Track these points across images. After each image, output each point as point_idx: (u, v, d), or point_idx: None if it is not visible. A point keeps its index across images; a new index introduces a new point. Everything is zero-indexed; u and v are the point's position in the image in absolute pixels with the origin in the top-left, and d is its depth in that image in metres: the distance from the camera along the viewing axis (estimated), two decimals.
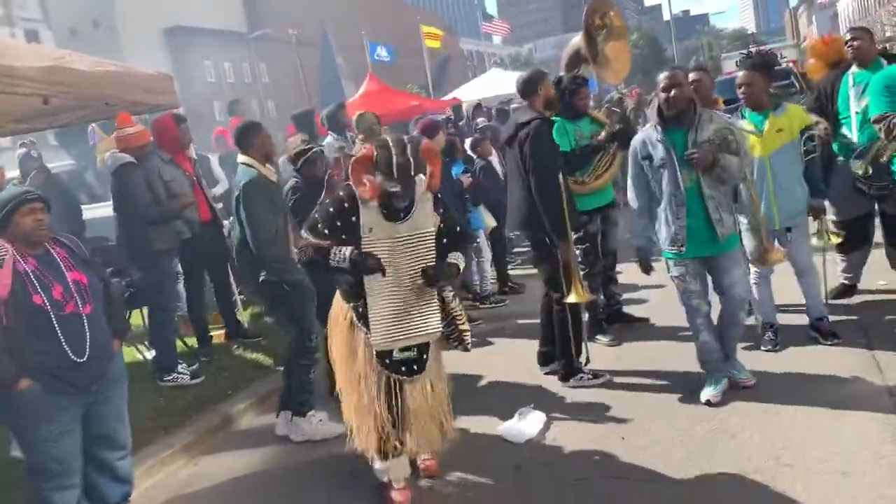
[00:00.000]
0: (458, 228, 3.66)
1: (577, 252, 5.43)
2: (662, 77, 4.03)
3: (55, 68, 4.87)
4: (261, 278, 4.48)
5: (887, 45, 14.92)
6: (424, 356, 3.56)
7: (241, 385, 5.52)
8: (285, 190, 4.95)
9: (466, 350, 3.71)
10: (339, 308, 3.62)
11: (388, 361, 3.50)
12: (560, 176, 4.52)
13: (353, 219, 3.39)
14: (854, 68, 5.15)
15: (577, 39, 5.50)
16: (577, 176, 5.30)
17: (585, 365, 4.84)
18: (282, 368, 5.69)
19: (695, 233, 4.09)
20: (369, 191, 3.31)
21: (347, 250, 3.35)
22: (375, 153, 3.31)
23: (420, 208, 3.45)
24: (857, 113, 5.05)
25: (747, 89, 4.47)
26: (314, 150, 5.01)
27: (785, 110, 4.54)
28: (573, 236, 4.69)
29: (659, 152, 4.07)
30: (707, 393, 4.24)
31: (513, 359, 5.47)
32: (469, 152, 7.77)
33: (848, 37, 5.25)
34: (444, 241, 3.55)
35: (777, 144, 4.50)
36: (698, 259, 4.18)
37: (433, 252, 3.48)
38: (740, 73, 4.39)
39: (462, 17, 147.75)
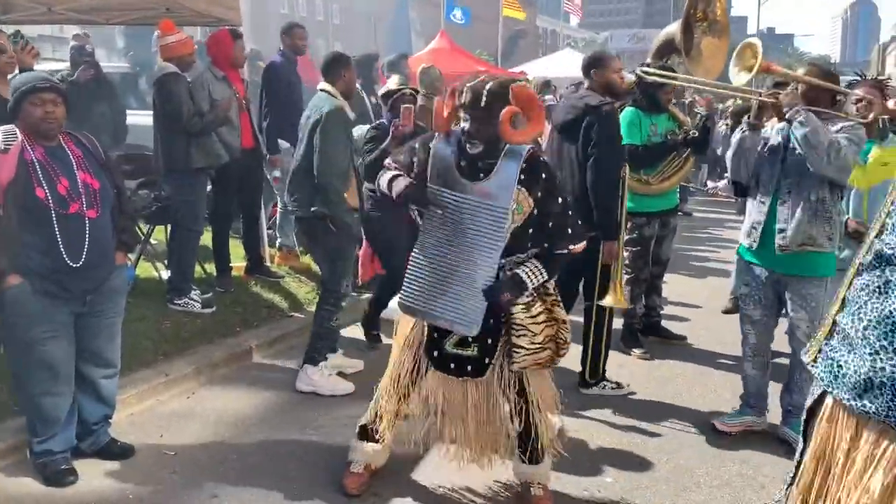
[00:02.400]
0: (562, 227, 2.95)
1: (626, 255, 5.10)
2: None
3: None
4: (312, 209, 4.25)
5: None
6: (489, 359, 3.00)
7: (251, 323, 5.30)
8: (364, 132, 4.92)
9: (551, 364, 3.04)
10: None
11: (436, 354, 3.04)
12: (621, 171, 4.20)
13: (424, 162, 2.99)
14: None
15: (672, 27, 5.06)
16: (641, 174, 4.94)
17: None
18: (295, 315, 5.51)
19: (767, 237, 3.66)
20: (444, 117, 2.92)
21: (404, 179, 2.98)
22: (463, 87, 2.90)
23: (502, 175, 2.86)
24: None
25: (866, 106, 3.85)
26: (408, 90, 4.96)
27: (893, 143, 4.10)
28: (624, 237, 4.33)
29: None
30: (722, 420, 3.95)
31: None
32: None
33: None
34: (531, 231, 2.93)
35: (879, 178, 4.07)
36: (769, 272, 3.71)
37: (503, 236, 2.85)
38: (861, 88, 3.89)
39: None
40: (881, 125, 4.01)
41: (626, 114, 4.93)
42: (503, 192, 2.85)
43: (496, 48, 29.40)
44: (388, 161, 3.19)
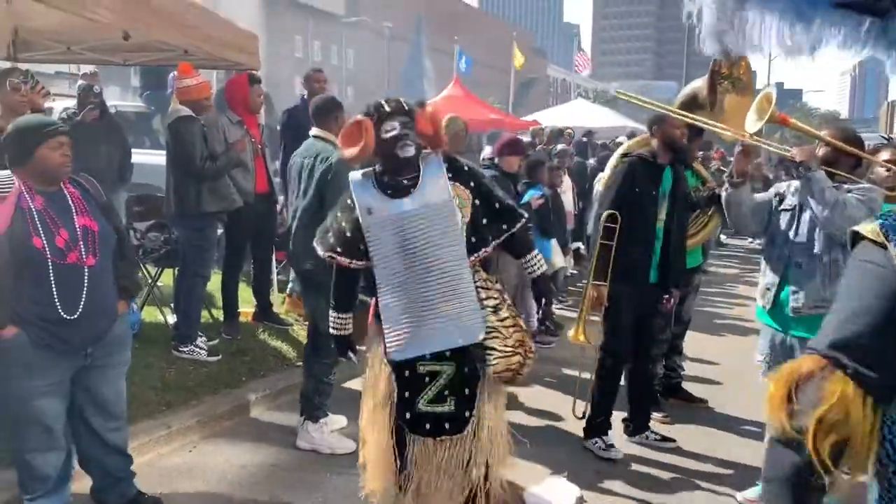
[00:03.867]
0: (508, 205, 2.95)
1: None
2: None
3: (138, 1, 4.59)
4: (306, 266, 4.09)
5: None
6: (467, 412, 2.82)
7: (258, 372, 5.14)
8: None
9: (511, 382, 2.92)
10: (372, 332, 3.01)
11: (408, 416, 2.82)
12: (608, 215, 4.17)
13: (349, 202, 2.84)
14: None
15: (697, 83, 5.00)
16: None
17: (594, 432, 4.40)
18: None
19: (781, 298, 3.55)
20: (366, 140, 2.77)
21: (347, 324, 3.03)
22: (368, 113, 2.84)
23: (429, 177, 2.82)
24: None
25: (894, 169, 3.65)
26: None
27: None
28: (601, 284, 4.20)
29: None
30: (746, 495, 3.77)
31: (549, 411, 4.99)
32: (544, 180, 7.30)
33: None
34: (484, 221, 2.86)
35: None
36: (784, 335, 3.55)
37: (459, 233, 2.78)
38: (888, 151, 3.78)
39: (556, 44, 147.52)
40: None
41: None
42: (440, 191, 2.81)
43: (507, 96, 29.74)
44: (325, 253, 2.94)
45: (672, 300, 4.41)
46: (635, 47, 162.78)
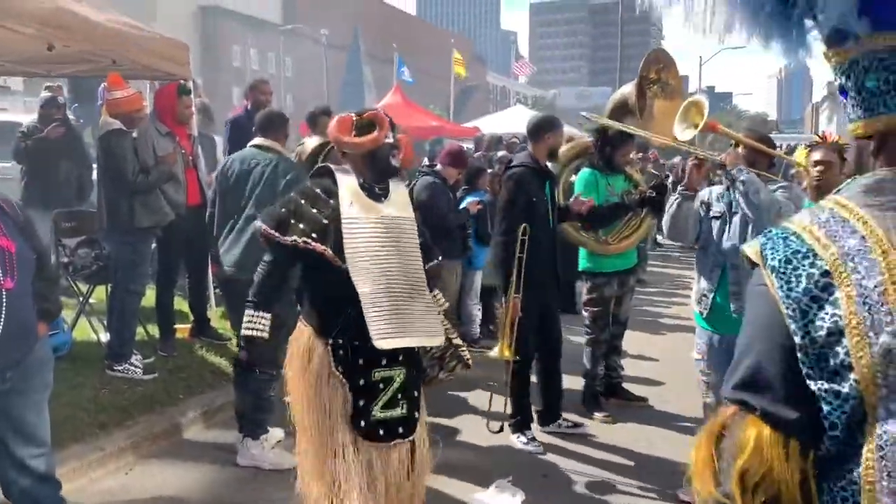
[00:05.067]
0: (430, 246, 3.09)
1: (586, 314, 5.07)
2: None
3: (60, 10, 4.45)
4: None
5: None
6: (416, 413, 2.87)
7: (195, 390, 5.02)
8: None
9: (467, 367, 3.07)
10: (303, 348, 2.85)
11: (363, 424, 2.78)
12: (522, 229, 4.23)
13: (329, 197, 2.83)
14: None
15: (626, 88, 5.10)
16: (599, 235, 4.91)
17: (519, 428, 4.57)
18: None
19: (721, 302, 3.65)
20: (380, 133, 2.87)
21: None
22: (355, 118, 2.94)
23: (396, 193, 2.96)
24: None
25: (826, 169, 3.67)
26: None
27: None
28: (517, 296, 4.30)
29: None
30: (685, 489, 3.83)
31: (493, 415, 5.00)
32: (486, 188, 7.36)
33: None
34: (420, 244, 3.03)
35: None
36: (721, 336, 3.63)
37: (417, 249, 2.91)
38: (819, 151, 3.89)
39: (494, 51, 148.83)
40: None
41: (584, 174, 4.93)
42: (406, 206, 2.97)
43: (448, 102, 29.87)
44: (297, 239, 2.80)
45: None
46: (571, 54, 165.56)
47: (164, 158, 5.11)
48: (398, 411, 2.81)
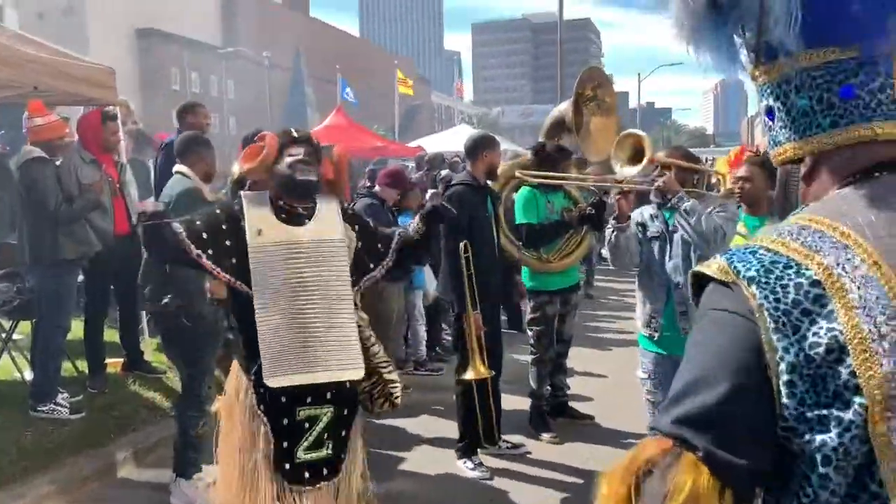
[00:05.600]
0: (384, 240, 2.97)
1: (530, 334, 5.02)
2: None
3: None
4: (164, 301, 3.90)
5: None
6: (343, 454, 2.74)
7: (128, 427, 4.78)
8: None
9: (394, 406, 2.92)
10: (233, 386, 2.79)
11: (287, 467, 2.64)
12: (463, 245, 4.21)
13: (236, 226, 2.68)
14: None
15: (563, 106, 5.12)
16: (540, 253, 4.88)
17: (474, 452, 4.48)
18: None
19: (669, 322, 3.62)
20: (267, 149, 2.77)
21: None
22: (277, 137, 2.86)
23: (325, 212, 2.82)
24: None
25: (746, 184, 3.75)
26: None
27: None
28: (476, 313, 4.28)
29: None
30: None
31: (441, 441, 4.91)
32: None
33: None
34: (366, 258, 2.87)
35: None
36: (669, 356, 3.59)
37: (347, 269, 2.76)
38: (742, 167, 3.94)
39: (438, 71, 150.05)
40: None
41: (523, 192, 4.90)
42: (335, 228, 2.82)
43: (393, 123, 29.91)
44: (194, 251, 2.66)
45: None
46: (514, 73, 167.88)
47: (90, 187, 4.91)
48: (324, 452, 2.69)
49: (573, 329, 5.35)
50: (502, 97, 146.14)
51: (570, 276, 5.09)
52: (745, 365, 0.86)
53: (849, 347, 0.79)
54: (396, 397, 2.87)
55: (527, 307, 5.24)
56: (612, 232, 3.75)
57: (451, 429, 5.03)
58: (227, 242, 2.68)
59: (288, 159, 2.77)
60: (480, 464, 4.45)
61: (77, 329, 5.46)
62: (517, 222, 4.85)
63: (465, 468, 4.44)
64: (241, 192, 2.85)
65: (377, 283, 3.04)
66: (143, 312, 5.90)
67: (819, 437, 0.80)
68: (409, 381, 6.20)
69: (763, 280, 0.85)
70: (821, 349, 0.80)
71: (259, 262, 2.63)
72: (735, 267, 0.88)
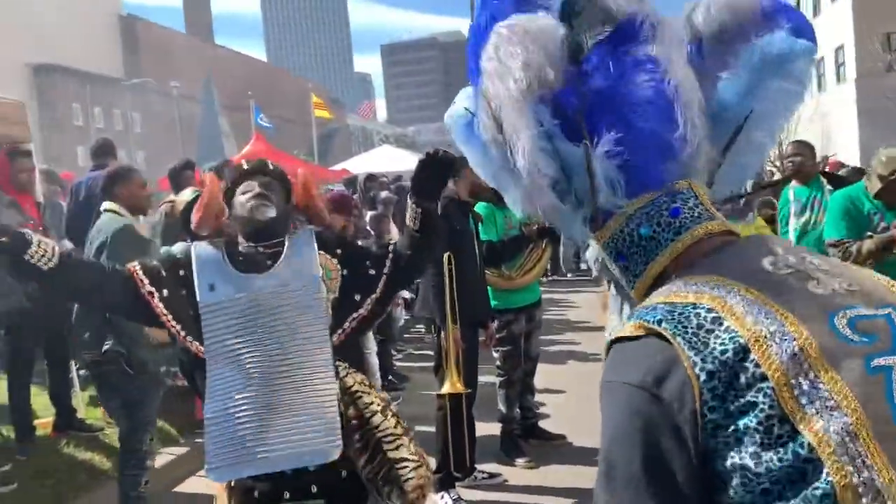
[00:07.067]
0: (373, 253, 2.50)
1: (497, 355, 4.84)
2: None
3: None
4: (104, 348, 3.64)
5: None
6: None
7: (66, 496, 4.32)
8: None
9: (407, 496, 2.20)
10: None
11: None
12: (447, 257, 4.08)
13: (191, 278, 2.31)
14: (794, 183, 5.03)
15: None
16: (502, 270, 4.73)
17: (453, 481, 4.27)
18: None
19: None
20: (208, 196, 2.41)
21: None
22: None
23: (294, 249, 2.36)
24: (795, 229, 4.91)
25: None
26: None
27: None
28: (456, 327, 4.13)
29: None
30: None
31: None
32: (368, 229, 7.07)
33: (789, 151, 5.10)
34: (356, 297, 2.37)
35: None
36: None
37: (323, 313, 2.28)
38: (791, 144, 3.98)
39: (351, 94, 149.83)
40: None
41: (479, 208, 4.72)
42: (306, 267, 2.33)
43: (310, 148, 29.49)
44: (146, 287, 2.31)
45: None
46: (425, 92, 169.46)
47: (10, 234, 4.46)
48: None
49: (539, 347, 5.20)
50: (416, 116, 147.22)
51: (533, 292, 4.95)
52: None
53: (749, 345, 0.93)
54: (408, 480, 2.18)
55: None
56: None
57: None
58: (183, 292, 2.31)
59: (241, 198, 2.38)
60: (459, 498, 4.21)
61: None
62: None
63: (480, 483, 4.27)
64: (194, 246, 2.43)
65: (366, 325, 2.44)
66: (73, 363, 5.42)
67: (742, 422, 0.90)
68: None
69: (670, 318, 0.98)
70: (729, 353, 0.93)
71: (211, 325, 2.23)
72: (644, 320, 1.01)
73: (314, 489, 2.19)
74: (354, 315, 2.36)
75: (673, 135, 1.10)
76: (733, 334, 0.94)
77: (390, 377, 6.86)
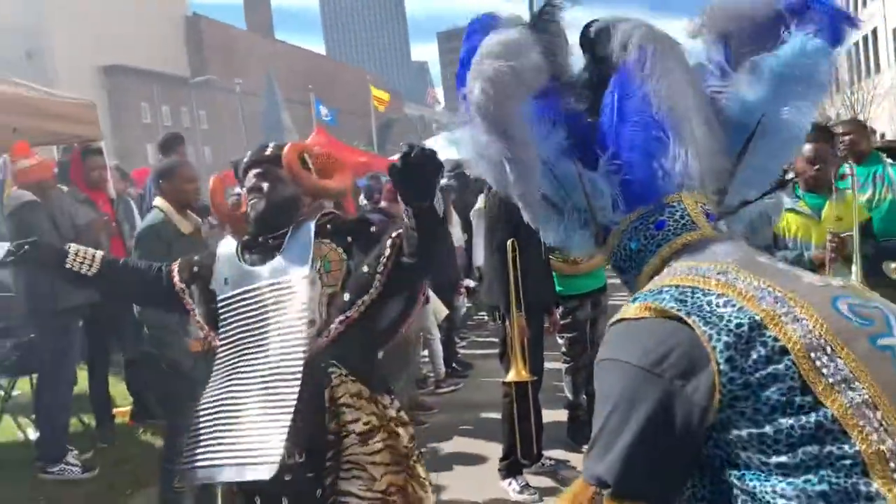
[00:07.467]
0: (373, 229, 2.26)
1: (562, 341, 4.77)
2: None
3: None
4: (141, 350, 3.74)
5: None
6: None
7: (144, 482, 4.47)
8: None
9: None
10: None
11: None
12: (510, 244, 4.05)
13: (211, 270, 2.31)
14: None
15: None
16: (567, 255, 4.64)
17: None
18: None
19: None
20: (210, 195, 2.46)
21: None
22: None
23: (294, 243, 2.20)
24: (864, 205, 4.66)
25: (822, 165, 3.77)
26: None
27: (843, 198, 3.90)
28: (521, 314, 4.09)
29: None
30: None
31: (479, 462, 4.65)
32: None
33: (840, 130, 4.79)
34: (346, 296, 2.13)
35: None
36: None
37: (297, 326, 2.05)
38: (809, 146, 3.75)
39: (410, 83, 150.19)
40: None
41: None
42: (299, 260, 2.15)
43: (370, 138, 29.71)
44: (179, 284, 2.36)
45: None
46: None
47: (88, 227, 4.63)
48: None
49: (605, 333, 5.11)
50: None
51: (598, 278, 4.84)
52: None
53: (764, 322, 0.97)
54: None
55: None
56: None
57: (486, 449, 4.78)
58: (211, 287, 2.29)
59: (244, 192, 2.34)
60: (527, 485, 4.19)
61: (79, 379, 5.14)
62: None
63: (511, 491, 4.18)
64: (220, 243, 2.45)
65: (356, 328, 2.13)
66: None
67: (765, 394, 0.94)
68: (433, 402, 5.95)
69: (681, 300, 1.04)
70: (745, 327, 0.97)
71: (224, 317, 2.20)
72: (652, 301, 1.06)
73: (285, 502, 2.08)
74: (341, 318, 2.11)
75: (665, 154, 1.18)
76: (748, 311, 0.99)
77: (454, 364, 6.87)
